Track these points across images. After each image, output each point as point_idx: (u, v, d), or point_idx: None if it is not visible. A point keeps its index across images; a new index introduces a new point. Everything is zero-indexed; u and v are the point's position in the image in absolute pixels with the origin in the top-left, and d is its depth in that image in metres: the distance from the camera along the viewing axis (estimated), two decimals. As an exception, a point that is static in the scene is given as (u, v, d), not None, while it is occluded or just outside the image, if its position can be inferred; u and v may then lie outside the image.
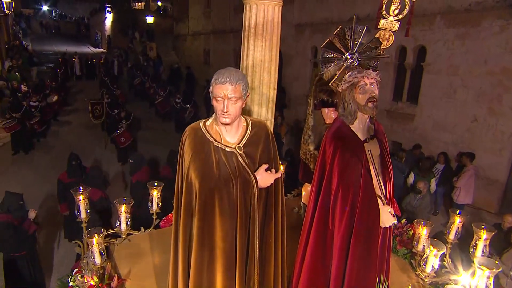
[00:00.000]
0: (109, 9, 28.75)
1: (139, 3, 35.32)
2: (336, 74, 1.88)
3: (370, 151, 1.77)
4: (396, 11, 2.37)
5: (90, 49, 28.60)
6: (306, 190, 3.00)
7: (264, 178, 1.76)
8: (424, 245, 2.61)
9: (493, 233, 2.33)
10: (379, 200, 1.79)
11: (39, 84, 12.85)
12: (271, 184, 1.82)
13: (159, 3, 34.35)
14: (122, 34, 27.00)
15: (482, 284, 2.15)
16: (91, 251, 2.20)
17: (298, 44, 13.52)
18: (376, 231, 1.81)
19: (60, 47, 26.62)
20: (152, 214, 2.82)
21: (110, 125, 9.85)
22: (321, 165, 1.81)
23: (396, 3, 2.37)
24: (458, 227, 2.67)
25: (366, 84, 1.74)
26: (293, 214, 3.16)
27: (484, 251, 2.34)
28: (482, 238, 2.37)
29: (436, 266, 2.39)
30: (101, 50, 28.14)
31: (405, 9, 2.37)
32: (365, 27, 1.95)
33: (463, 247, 2.92)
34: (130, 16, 28.19)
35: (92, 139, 10.70)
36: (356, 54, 1.91)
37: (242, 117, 1.85)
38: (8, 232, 3.85)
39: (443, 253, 2.35)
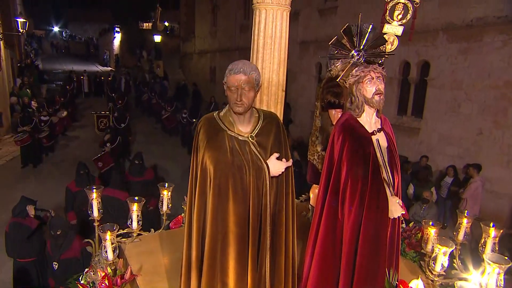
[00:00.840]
0: (117, 29, 29.58)
1: (147, 24, 36.33)
2: (343, 71, 1.97)
3: (378, 141, 1.82)
4: (400, 16, 2.47)
5: (98, 68, 29.25)
6: (314, 192, 3.03)
7: (276, 165, 1.82)
8: (433, 245, 2.61)
9: (501, 230, 2.34)
10: (387, 190, 1.83)
11: (49, 99, 13.15)
12: (282, 174, 1.87)
13: (166, 24, 35.29)
14: (130, 53, 27.66)
15: (492, 281, 2.15)
16: (104, 246, 2.24)
17: (302, 61, 13.77)
18: (385, 220, 1.84)
19: (69, 66, 27.27)
20: (162, 215, 2.86)
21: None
22: (330, 156, 1.87)
23: (399, 9, 2.47)
24: (466, 228, 2.68)
25: (373, 78, 1.82)
26: (302, 218, 3.18)
27: (494, 249, 2.34)
28: (491, 236, 2.38)
29: (445, 265, 2.38)
30: (109, 68, 28.77)
31: (408, 14, 2.47)
32: (371, 24, 2.05)
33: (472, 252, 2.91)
34: (138, 35, 28.94)
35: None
36: (362, 51, 2.00)
37: (254, 108, 1.93)
38: (19, 235, 3.91)
39: (452, 251, 2.35)
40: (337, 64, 2.06)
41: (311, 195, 3.11)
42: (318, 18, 12.92)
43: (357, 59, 1.97)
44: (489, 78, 8.28)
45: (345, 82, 1.97)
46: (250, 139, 1.85)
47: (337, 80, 2.06)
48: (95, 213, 2.58)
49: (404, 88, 10.50)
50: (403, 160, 9.35)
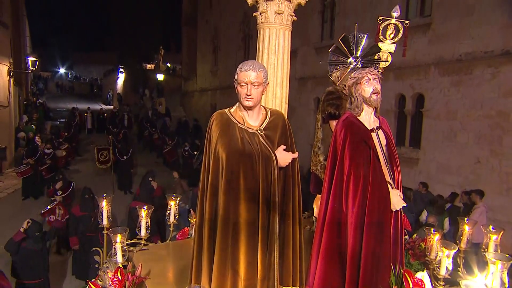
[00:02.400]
0: (121, 69, 30.70)
1: (150, 65, 37.69)
2: (342, 76, 2.16)
3: (378, 136, 1.96)
4: (392, 35, 2.71)
5: (101, 106, 29.94)
6: (317, 204, 3.10)
7: (283, 156, 1.94)
8: (436, 251, 2.65)
9: (501, 232, 2.40)
10: (388, 184, 1.93)
11: (54, 133, 13.41)
12: (288, 167, 1.99)
13: (168, 65, 36.64)
14: (132, 92, 28.47)
15: (497, 280, 2.18)
16: (114, 249, 2.28)
17: (301, 96, 14.22)
18: (387, 212, 1.92)
19: (73, 104, 27.98)
20: (170, 225, 2.92)
21: (119, 173, 10.09)
22: (333, 150, 1.99)
23: (391, 29, 2.72)
24: (468, 235, 2.73)
25: (370, 79, 2.00)
26: (305, 232, 3.22)
27: (496, 250, 2.39)
28: (492, 238, 2.43)
29: (450, 268, 2.42)
30: (112, 107, 29.46)
31: (400, 33, 2.72)
32: (366, 34, 2.27)
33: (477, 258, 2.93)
34: (141, 75, 29.96)
35: (101, 185, 10.86)
36: (359, 58, 2.20)
37: (262, 106, 2.09)
38: (31, 257, 3.93)
39: (456, 252, 2.39)
40: (337, 71, 2.26)
41: (314, 207, 3.17)
42: (315, 55, 13.54)
43: (354, 65, 2.17)
44: (482, 109, 8.57)
45: (345, 87, 2.14)
46: (259, 131, 1.99)
47: (337, 84, 2.24)
48: (105, 221, 2.64)
49: (401, 120, 10.79)
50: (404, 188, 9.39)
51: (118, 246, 2.27)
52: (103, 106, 30.34)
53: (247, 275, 1.83)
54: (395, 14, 2.71)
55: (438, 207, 7.11)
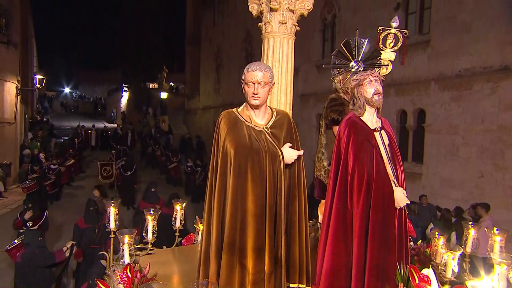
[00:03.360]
0: (125, 88, 31.18)
1: (153, 84, 38.26)
2: (344, 79, 2.24)
3: (381, 135, 2.02)
4: (392, 44, 2.82)
5: (105, 125, 30.23)
6: (322, 210, 3.12)
7: (289, 153, 2.01)
8: (441, 255, 2.66)
9: (505, 234, 2.41)
10: (392, 182, 1.97)
11: (59, 150, 13.53)
12: (294, 165, 2.05)
13: (172, 84, 37.18)
14: (136, 110, 28.78)
15: (503, 280, 2.19)
16: (122, 250, 2.30)
17: (303, 112, 14.37)
18: (391, 209, 1.96)
19: (77, 123, 28.28)
20: (175, 231, 2.94)
21: (122, 188, 10.12)
22: (338, 149, 2.05)
23: (391, 38, 2.83)
24: (473, 239, 2.74)
25: (371, 81, 2.08)
26: (311, 239, 3.23)
27: (501, 252, 2.39)
28: (497, 240, 2.44)
29: (456, 270, 2.42)
30: (115, 125, 29.75)
31: (399, 42, 2.82)
32: (367, 38, 2.37)
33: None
34: (145, 93, 30.36)
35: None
36: (361, 62, 2.29)
37: (268, 106, 2.17)
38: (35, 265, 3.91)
39: (460, 254, 2.40)
40: (340, 74, 2.35)
41: (318, 213, 3.19)
42: (316, 73, 13.76)
43: (356, 69, 2.26)
44: (483, 123, 8.64)
45: (347, 89, 2.22)
46: (266, 129, 2.06)
47: (340, 87, 2.33)
48: (112, 225, 2.67)
49: (403, 135, 10.85)
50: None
51: (125, 248, 2.30)
52: (107, 125, 30.67)
53: (254, 269, 1.86)
54: (394, 24, 2.82)
55: (445, 220, 7.08)
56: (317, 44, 13.92)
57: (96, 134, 20.01)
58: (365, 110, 2.10)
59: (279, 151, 1.99)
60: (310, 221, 3.82)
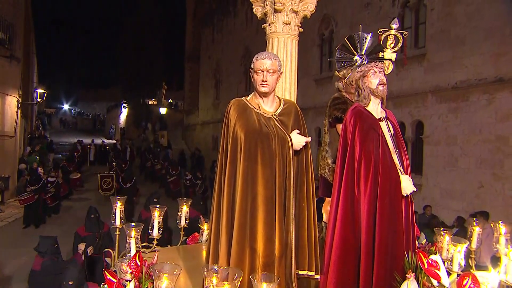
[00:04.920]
0: (125, 105, 31.38)
1: (152, 101, 38.51)
2: (348, 73, 2.31)
3: (387, 124, 2.06)
4: (392, 45, 2.90)
5: (103, 140, 30.23)
6: (326, 209, 3.13)
7: (297, 138, 2.05)
8: (447, 250, 2.66)
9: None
10: (398, 170, 2.00)
11: (55, 164, 13.49)
12: (302, 152, 2.09)
13: (170, 100, 37.46)
14: (135, 126, 28.86)
15: (510, 271, 2.19)
16: (128, 243, 2.30)
17: (302, 125, 14.45)
18: (399, 196, 1.98)
19: (75, 139, 28.29)
20: (180, 229, 2.93)
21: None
22: (344, 138, 2.08)
23: (391, 39, 2.91)
24: (478, 234, 2.75)
25: (376, 72, 2.14)
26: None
27: (507, 244, 2.40)
28: (502, 233, 2.45)
29: (462, 263, 2.42)
30: (114, 141, 29.75)
31: (399, 43, 2.90)
32: (370, 33, 2.44)
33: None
34: (144, 109, 30.52)
35: (103, 214, 10.76)
36: (364, 56, 2.36)
37: (275, 95, 2.22)
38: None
39: (466, 247, 2.40)
40: (344, 68, 2.42)
41: (323, 213, 3.20)
42: (315, 87, 13.94)
43: (360, 63, 2.33)
44: (481, 134, 8.73)
45: (352, 82, 2.29)
46: (274, 116, 2.12)
47: (345, 80, 2.39)
48: (117, 222, 2.66)
49: (402, 147, 10.92)
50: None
51: (132, 241, 2.29)
52: (105, 141, 30.68)
53: (265, 252, 1.86)
54: (394, 26, 2.90)
55: (435, 227, 7.03)
56: (315, 59, 14.17)
57: (95, 149, 20.01)
58: (370, 100, 2.15)
59: (288, 137, 2.04)
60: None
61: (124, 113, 31.31)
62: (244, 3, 19.50)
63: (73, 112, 46.30)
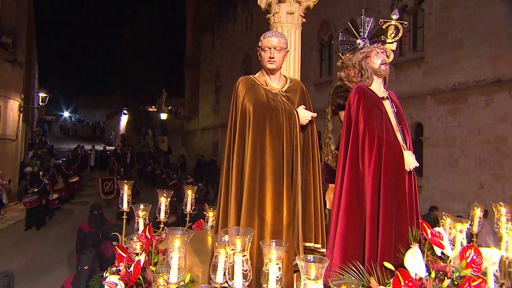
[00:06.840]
0: (125, 111, 31.46)
1: (152, 108, 38.63)
2: (352, 56, 2.39)
3: (390, 102, 2.13)
4: (393, 35, 2.99)
5: (104, 146, 30.23)
6: (329, 197, 3.17)
7: (304, 113, 2.13)
8: (449, 233, 2.70)
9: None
10: (401, 146, 2.06)
11: (58, 166, 13.54)
12: (307, 128, 2.16)
13: (170, 108, 37.56)
14: (135, 132, 28.91)
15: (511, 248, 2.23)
16: (137, 223, 2.34)
17: (302, 129, 14.53)
18: (402, 171, 2.03)
19: (75, 145, 28.28)
20: (186, 215, 2.97)
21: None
22: (348, 115, 2.15)
23: (392, 29, 3.00)
24: (480, 218, 2.79)
25: (378, 52, 2.22)
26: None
27: (508, 223, 2.44)
28: (503, 213, 2.50)
29: (464, 244, 2.45)
30: (113, 147, 29.75)
31: (400, 33, 3.00)
32: (372, 18, 2.52)
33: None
34: (144, 115, 30.59)
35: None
36: (367, 39, 2.44)
37: (282, 74, 2.30)
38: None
39: (468, 227, 2.44)
40: (348, 51, 2.50)
41: (326, 200, 3.24)
42: (314, 91, 14.05)
43: (363, 46, 2.41)
44: (480, 135, 8.81)
45: (355, 64, 2.36)
46: (281, 92, 2.19)
47: (349, 63, 2.47)
48: (125, 205, 2.70)
49: (401, 149, 10.98)
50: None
51: (141, 221, 2.34)
52: (106, 147, 30.67)
53: (273, 220, 1.91)
54: (394, 17, 3.00)
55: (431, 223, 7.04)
56: (315, 64, 14.32)
57: (95, 154, 20.05)
58: (373, 80, 2.22)
59: (295, 111, 2.12)
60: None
61: (124, 119, 31.38)
62: (244, 10, 19.76)
63: (73, 119, 46.37)
